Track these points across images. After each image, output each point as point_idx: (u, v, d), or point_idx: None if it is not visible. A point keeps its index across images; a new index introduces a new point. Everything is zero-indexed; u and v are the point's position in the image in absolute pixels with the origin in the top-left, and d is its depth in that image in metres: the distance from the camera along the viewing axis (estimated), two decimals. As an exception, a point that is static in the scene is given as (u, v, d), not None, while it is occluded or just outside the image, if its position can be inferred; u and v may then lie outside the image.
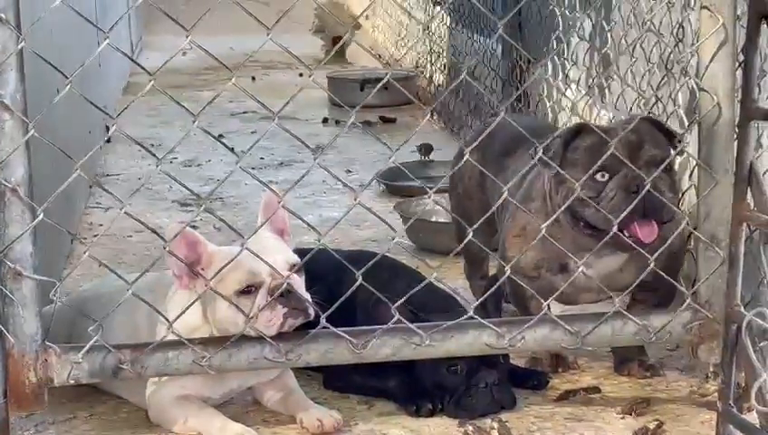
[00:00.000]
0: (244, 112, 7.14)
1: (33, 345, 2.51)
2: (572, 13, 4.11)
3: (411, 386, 2.82)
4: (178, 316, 2.56)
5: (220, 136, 6.32)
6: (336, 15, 10.14)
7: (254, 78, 8.33)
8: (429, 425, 2.74)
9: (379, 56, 9.45)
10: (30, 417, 2.76)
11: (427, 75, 7.42)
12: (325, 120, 7.02)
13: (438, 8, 7.34)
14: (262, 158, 5.97)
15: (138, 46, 9.69)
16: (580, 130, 2.85)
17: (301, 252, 2.76)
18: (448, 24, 6.94)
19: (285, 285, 2.58)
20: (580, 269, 2.71)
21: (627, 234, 2.73)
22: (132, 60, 2.60)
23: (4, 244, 2.45)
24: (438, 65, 7.20)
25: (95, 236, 4.50)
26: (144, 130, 6.44)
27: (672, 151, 2.74)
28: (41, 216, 2.45)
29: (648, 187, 2.66)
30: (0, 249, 2.45)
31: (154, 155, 2.55)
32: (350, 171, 5.67)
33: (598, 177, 2.74)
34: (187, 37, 2.47)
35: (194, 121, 2.50)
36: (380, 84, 2.79)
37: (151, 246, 4.37)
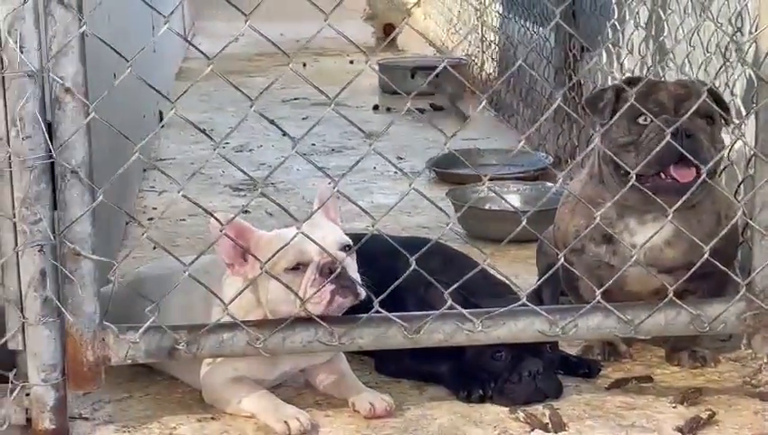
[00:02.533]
0: (296, 99, 7.16)
1: (92, 325, 2.55)
2: (628, 1, 4.08)
3: (462, 372, 2.83)
4: (234, 298, 2.59)
5: (272, 121, 6.36)
6: (387, 2, 10.14)
7: (305, 64, 8.35)
8: (480, 411, 2.74)
9: (432, 43, 9.45)
10: (86, 395, 2.79)
11: (479, 63, 7.41)
12: (376, 108, 7.03)
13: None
14: (313, 144, 5.99)
15: (190, 32, 9.75)
16: (631, 81, 2.93)
17: (354, 237, 2.78)
18: (500, 11, 6.92)
19: (333, 262, 2.60)
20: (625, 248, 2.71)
21: (664, 176, 2.78)
22: (191, 44, 2.63)
23: (64, 224, 2.49)
24: (490, 53, 7.19)
25: (149, 219, 4.54)
26: (197, 116, 6.48)
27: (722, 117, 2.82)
28: (100, 197, 2.49)
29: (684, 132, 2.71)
30: (60, 230, 2.49)
31: (212, 139, 2.59)
32: (400, 158, 5.68)
33: (640, 120, 2.82)
34: (245, 22, 2.49)
35: (251, 106, 2.53)
36: (434, 73, 2.82)
37: (204, 229, 4.41)
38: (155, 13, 5.92)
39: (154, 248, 3.91)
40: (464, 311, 2.62)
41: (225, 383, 2.73)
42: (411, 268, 2.59)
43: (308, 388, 2.88)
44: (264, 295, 2.68)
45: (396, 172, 5.39)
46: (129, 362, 2.58)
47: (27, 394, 2.55)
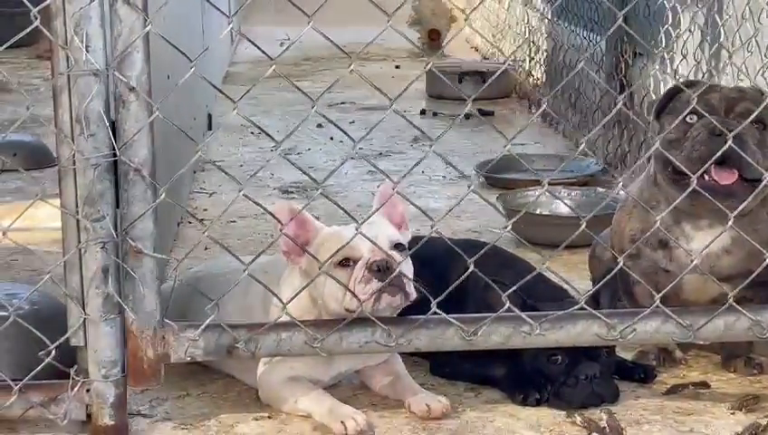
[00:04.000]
0: (342, 103, 7.18)
1: (152, 322, 2.56)
2: (683, 6, 4.07)
3: (518, 375, 2.82)
4: (292, 298, 2.60)
5: (319, 126, 6.39)
6: (433, 8, 10.14)
7: (351, 70, 8.36)
8: (537, 414, 2.74)
9: (476, 49, 9.45)
10: (145, 392, 2.81)
11: (526, 69, 7.40)
12: (423, 112, 7.03)
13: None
14: (361, 148, 5.98)
15: (236, 36, 9.79)
16: (689, 84, 2.95)
17: (413, 240, 2.78)
18: (548, 16, 6.91)
19: (383, 260, 2.60)
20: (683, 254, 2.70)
21: (707, 178, 2.77)
22: (255, 45, 2.63)
23: (127, 222, 2.51)
24: (537, 59, 7.17)
25: (201, 220, 4.57)
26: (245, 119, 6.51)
27: None
28: (163, 195, 2.51)
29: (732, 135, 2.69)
30: (122, 227, 2.52)
31: (273, 139, 2.60)
32: (448, 163, 5.67)
33: (688, 119, 2.81)
34: (308, 23, 2.51)
35: (313, 107, 2.54)
36: (492, 79, 2.80)
37: (254, 231, 4.44)
38: (205, 15, 5.97)
39: (206, 249, 3.94)
40: (521, 314, 2.62)
41: (282, 382, 2.74)
42: (470, 270, 2.60)
43: (363, 389, 2.89)
44: (317, 292, 2.68)
45: (444, 177, 5.40)
46: (189, 359, 2.60)
47: (88, 390, 2.57)
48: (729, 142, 2.70)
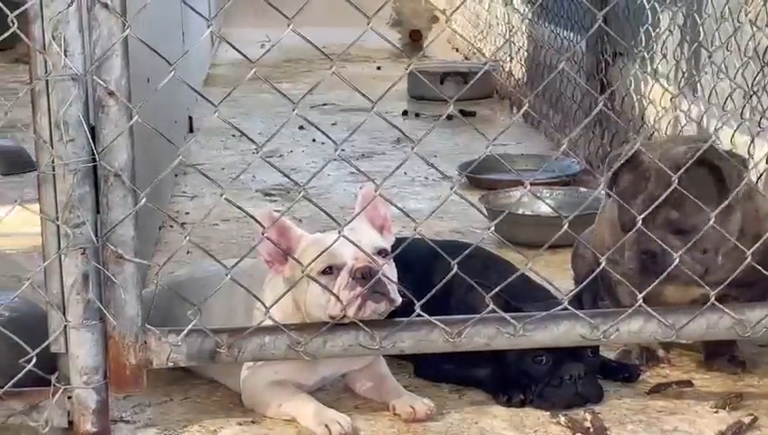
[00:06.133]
0: (324, 105, 7.16)
1: (134, 328, 2.55)
2: (662, 6, 4.07)
3: (503, 376, 2.82)
4: (275, 302, 2.59)
5: (300, 128, 6.38)
6: (413, 8, 10.14)
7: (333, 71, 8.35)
8: (521, 415, 2.74)
9: (457, 49, 9.45)
10: (127, 398, 2.80)
11: (507, 69, 7.40)
12: (405, 113, 7.03)
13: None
14: (343, 149, 5.98)
15: (216, 38, 9.77)
16: (632, 158, 2.82)
17: (396, 241, 2.77)
18: (529, 17, 6.92)
19: (366, 267, 2.59)
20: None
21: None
22: (235, 48, 2.62)
23: (107, 227, 2.50)
24: (518, 59, 7.18)
25: (182, 224, 4.55)
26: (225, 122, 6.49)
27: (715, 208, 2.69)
28: (143, 200, 2.50)
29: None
30: (102, 233, 2.50)
31: (255, 142, 2.60)
32: (430, 164, 5.66)
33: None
34: (288, 26, 2.50)
35: (293, 110, 2.53)
36: (473, 80, 2.80)
37: (237, 234, 4.43)
38: (185, 18, 5.95)
39: (188, 253, 3.93)
40: (505, 314, 2.62)
41: (265, 387, 2.73)
42: (453, 271, 2.59)
43: (348, 392, 2.88)
44: (300, 298, 2.67)
45: (426, 178, 5.39)
46: (171, 365, 2.58)
47: (69, 397, 2.56)
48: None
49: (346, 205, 4.73)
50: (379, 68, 8.69)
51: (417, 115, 6.92)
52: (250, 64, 2.45)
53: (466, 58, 9.02)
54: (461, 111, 6.96)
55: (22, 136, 5.57)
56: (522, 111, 2.88)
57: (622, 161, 2.82)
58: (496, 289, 2.62)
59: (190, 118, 6.21)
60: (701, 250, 2.76)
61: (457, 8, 8.98)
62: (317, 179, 5.36)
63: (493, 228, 2.78)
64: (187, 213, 4.77)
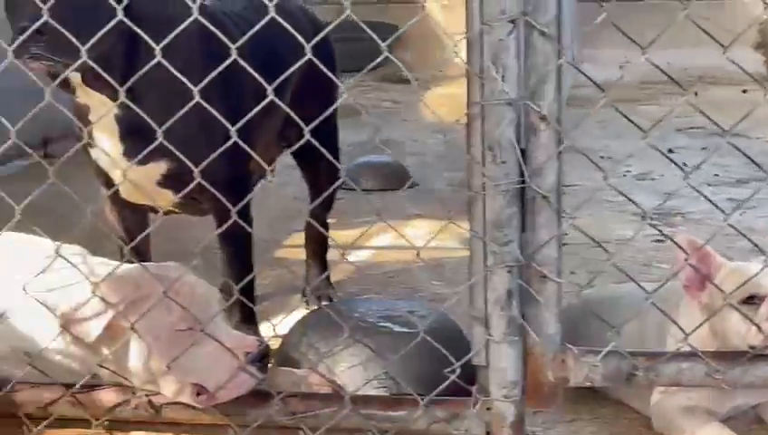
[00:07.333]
0: (691, 128, 7.05)
1: (553, 346, 2.61)
2: None
3: None
4: (696, 328, 2.58)
5: (669, 151, 6.30)
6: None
7: (696, 93, 8.21)
8: None
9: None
10: (537, 414, 2.86)
11: None
12: (782, 138, 6.81)
13: None
14: (716, 175, 5.89)
15: (578, 59, 9.82)
16: None
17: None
18: None
19: None
20: None
21: None
22: (587, 76, 2.64)
23: (533, 247, 2.57)
24: None
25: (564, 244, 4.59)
26: (595, 142, 6.52)
27: None
28: (569, 222, 2.56)
29: None
30: (528, 252, 2.58)
31: (601, 169, 2.62)
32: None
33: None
34: (642, 54, 2.50)
35: (643, 138, 2.53)
36: None
37: (619, 257, 4.41)
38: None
39: (571, 273, 3.97)
40: None
41: (678, 412, 2.73)
42: None
43: (759, 423, 2.83)
44: (719, 325, 2.66)
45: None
46: (588, 384, 2.62)
47: (488, 408, 2.64)
48: None
49: (730, 232, 4.63)
50: (744, 91, 8.46)
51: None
52: (614, 85, 2.45)
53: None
54: None
55: (394, 152, 5.80)
56: None
57: None
58: None
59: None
60: None
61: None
62: (695, 204, 5.35)
63: None
64: (566, 234, 4.81)
